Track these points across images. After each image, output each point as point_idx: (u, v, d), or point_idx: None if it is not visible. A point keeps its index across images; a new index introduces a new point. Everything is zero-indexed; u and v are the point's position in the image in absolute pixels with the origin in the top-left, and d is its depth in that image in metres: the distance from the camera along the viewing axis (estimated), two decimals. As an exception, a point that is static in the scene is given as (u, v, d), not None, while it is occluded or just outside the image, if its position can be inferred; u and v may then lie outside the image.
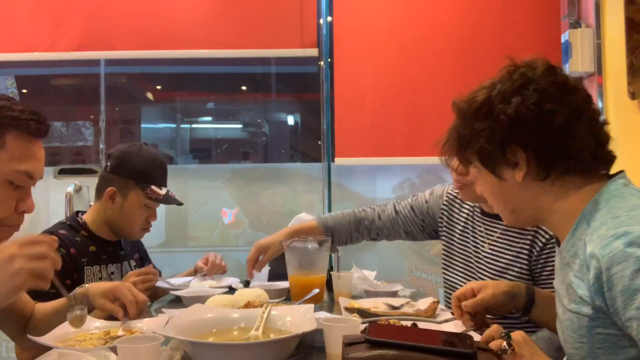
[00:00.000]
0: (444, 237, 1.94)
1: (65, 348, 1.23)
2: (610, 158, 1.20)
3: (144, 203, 2.04)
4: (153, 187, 2.03)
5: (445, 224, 1.95)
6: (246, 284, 2.01)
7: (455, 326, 1.43)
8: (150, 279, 1.89)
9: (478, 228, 1.82)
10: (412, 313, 1.58)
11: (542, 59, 1.21)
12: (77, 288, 1.55)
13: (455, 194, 1.95)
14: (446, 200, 1.97)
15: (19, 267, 1.06)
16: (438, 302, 1.65)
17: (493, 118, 1.17)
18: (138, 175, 2.03)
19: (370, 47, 3.10)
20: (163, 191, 2.06)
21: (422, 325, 1.36)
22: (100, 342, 1.32)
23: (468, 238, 1.84)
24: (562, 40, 2.99)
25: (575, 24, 2.97)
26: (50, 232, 1.93)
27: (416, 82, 3.05)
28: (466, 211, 1.89)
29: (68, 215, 3.05)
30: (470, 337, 1.02)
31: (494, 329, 1.10)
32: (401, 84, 3.07)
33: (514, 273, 1.66)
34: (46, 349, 1.23)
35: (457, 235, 1.88)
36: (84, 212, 2.10)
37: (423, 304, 1.66)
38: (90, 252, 1.97)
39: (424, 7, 3.11)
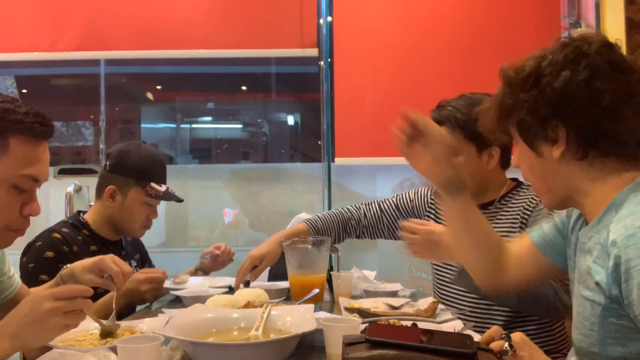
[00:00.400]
0: None
1: (65, 348, 1.23)
2: None
3: (144, 200, 2.05)
4: (153, 184, 2.04)
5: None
6: (246, 284, 2.01)
7: (455, 326, 1.43)
8: (159, 279, 1.90)
9: None
10: (412, 313, 1.58)
11: (600, 34, 1.17)
12: (61, 270, 1.56)
13: None
14: (432, 201, 1.98)
15: (55, 322, 1.08)
16: (438, 302, 1.65)
17: (539, 90, 1.13)
18: (137, 173, 2.04)
19: (370, 47, 3.10)
20: (163, 188, 2.07)
21: (422, 325, 1.36)
22: (100, 342, 1.32)
23: None
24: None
25: (575, 24, 2.97)
26: (52, 230, 1.94)
27: (416, 82, 3.04)
28: None
29: (68, 215, 3.05)
30: (470, 337, 1.02)
31: (494, 330, 1.10)
32: (401, 83, 3.06)
33: None
34: (46, 348, 1.23)
35: None
36: (85, 212, 2.10)
37: (423, 304, 1.66)
38: (91, 252, 1.97)
39: (424, 7, 3.10)
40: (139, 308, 1.98)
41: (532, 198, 1.73)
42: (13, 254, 1.59)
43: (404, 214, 2.03)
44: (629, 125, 1.10)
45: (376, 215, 2.06)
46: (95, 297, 1.59)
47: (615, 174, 1.12)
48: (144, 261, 2.31)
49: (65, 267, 1.58)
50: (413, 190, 2.06)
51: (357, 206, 2.11)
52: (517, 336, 1.08)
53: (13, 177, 1.22)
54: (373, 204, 2.10)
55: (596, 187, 1.13)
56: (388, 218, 2.05)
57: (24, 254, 1.87)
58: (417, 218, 2.00)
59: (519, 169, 1.61)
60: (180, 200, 2.16)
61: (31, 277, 1.77)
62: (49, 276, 1.75)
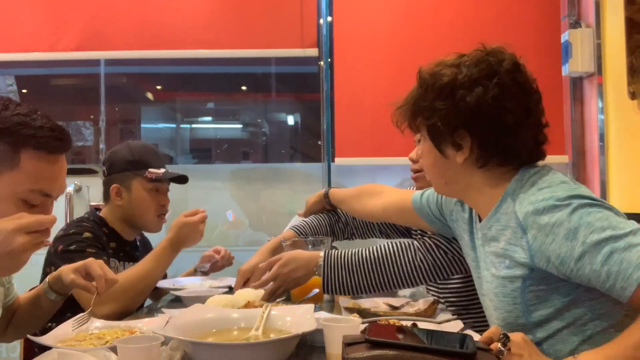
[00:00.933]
0: (417, 237, 1.95)
1: (65, 348, 1.23)
2: (542, 156, 1.29)
3: (148, 188, 2.06)
4: (150, 169, 2.05)
5: None
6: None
7: (455, 326, 1.43)
8: (204, 211, 1.94)
9: None
10: (412, 313, 1.58)
11: (510, 53, 1.30)
12: (49, 275, 1.55)
13: None
14: None
15: (27, 256, 1.06)
16: (438, 302, 1.65)
17: (453, 101, 1.23)
18: (132, 164, 2.06)
19: (370, 47, 3.10)
20: (162, 171, 2.07)
21: (422, 325, 1.36)
22: (100, 342, 1.32)
23: None
24: (562, 40, 2.99)
25: (575, 24, 2.97)
26: (80, 220, 1.98)
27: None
28: None
29: (68, 215, 3.05)
30: (470, 337, 1.02)
31: (493, 330, 1.10)
32: (401, 84, 3.04)
33: None
34: (46, 348, 1.23)
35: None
36: (99, 210, 2.12)
37: (423, 304, 1.66)
38: (111, 247, 2.01)
39: (423, 7, 3.11)
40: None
41: None
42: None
43: None
44: (525, 140, 1.24)
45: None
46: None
47: (506, 177, 1.26)
48: None
49: (53, 269, 1.58)
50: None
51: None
52: (517, 337, 1.09)
53: (22, 192, 1.18)
54: None
55: (488, 187, 1.27)
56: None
57: (56, 243, 1.87)
58: None
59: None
60: (184, 177, 2.15)
61: (74, 255, 1.75)
62: (97, 249, 1.82)
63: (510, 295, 1.20)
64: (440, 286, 1.86)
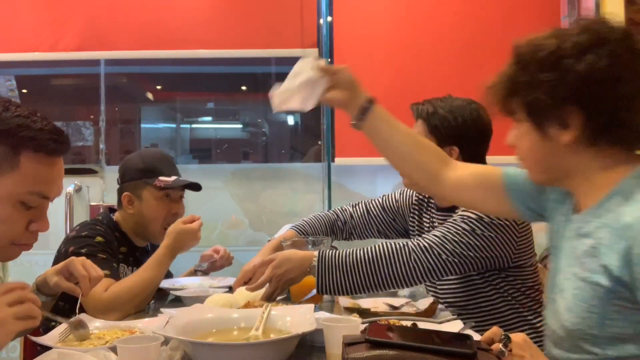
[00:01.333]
0: (414, 237, 1.95)
1: (65, 348, 1.23)
2: None
3: (159, 196, 2.04)
4: (161, 177, 2.04)
5: (416, 224, 1.98)
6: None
7: (455, 326, 1.43)
8: (199, 218, 1.92)
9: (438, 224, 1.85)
10: (412, 313, 1.58)
11: (619, 21, 1.14)
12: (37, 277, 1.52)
13: (424, 195, 1.97)
14: (416, 201, 2.00)
15: (10, 330, 1.03)
16: (438, 302, 1.65)
17: (560, 71, 1.09)
18: (142, 172, 2.04)
19: (370, 47, 3.10)
20: (172, 178, 2.06)
21: (422, 325, 1.36)
22: (100, 342, 1.32)
23: None
24: (562, 40, 2.99)
25: (575, 24, 2.97)
26: (93, 223, 1.98)
27: (416, 82, 3.04)
28: (432, 210, 1.93)
29: (69, 214, 3.05)
30: (470, 337, 1.02)
31: (494, 331, 1.09)
32: (401, 83, 3.06)
33: None
34: (46, 348, 1.23)
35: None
36: (113, 212, 2.11)
37: (423, 304, 1.66)
38: (121, 252, 2.00)
39: (424, 7, 3.11)
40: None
41: None
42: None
43: (389, 214, 2.05)
44: None
45: (363, 216, 2.07)
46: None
47: (618, 163, 1.12)
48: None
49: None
50: (399, 191, 2.07)
51: (344, 208, 2.12)
52: (519, 337, 1.07)
53: (20, 194, 1.17)
54: (360, 205, 2.11)
55: (598, 174, 1.13)
56: (374, 218, 2.06)
57: (67, 244, 1.87)
58: (402, 218, 2.03)
59: (511, 145, 1.64)
60: (197, 185, 2.12)
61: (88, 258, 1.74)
62: (107, 255, 1.83)
63: (588, 302, 1.07)
64: (439, 287, 1.86)
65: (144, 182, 2.03)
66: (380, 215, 2.05)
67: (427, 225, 1.94)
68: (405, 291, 1.99)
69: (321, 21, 3.16)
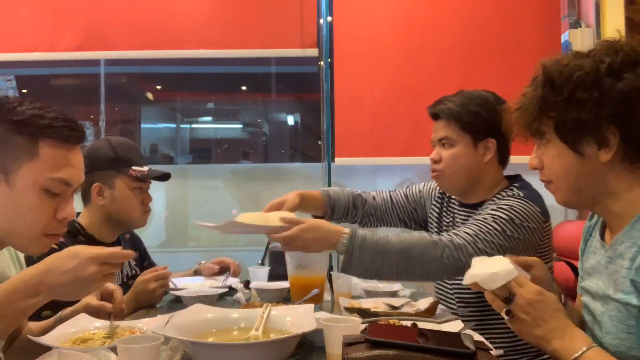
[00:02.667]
0: (433, 232, 1.96)
1: (66, 348, 1.23)
2: None
3: (133, 186, 2.02)
4: (134, 167, 2.02)
5: (435, 217, 1.98)
6: (246, 284, 2.01)
7: (455, 326, 1.43)
8: (165, 276, 1.88)
9: (460, 221, 1.85)
10: (412, 313, 1.58)
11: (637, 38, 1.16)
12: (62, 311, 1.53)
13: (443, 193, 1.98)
14: (439, 196, 1.99)
15: (94, 286, 1.12)
16: (438, 302, 1.65)
17: (601, 90, 1.10)
18: (115, 162, 2.01)
19: (370, 47, 3.10)
20: (145, 168, 2.04)
21: (422, 325, 1.36)
22: (100, 342, 1.32)
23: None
24: (562, 40, 2.99)
25: (575, 24, 2.97)
26: None
27: (416, 82, 3.05)
28: (454, 205, 1.93)
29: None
30: (471, 337, 1.02)
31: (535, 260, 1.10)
32: (401, 83, 3.07)
33: None
34: (46, 349, 1.23)
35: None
36: (77, 214, 2.08)
37: (423, 304, 1.66)
38: None
39: (424, 7, 3.10)
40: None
41: None
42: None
43: (411, 203, 2.04)
44: None
45: (386, 201, 2.06)
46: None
47: None
48: (143, 259, 2.30)
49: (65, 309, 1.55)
50: (423, 183, 2.07)
51: (366, 191, 2.11)
52: (523, 299, 1.08)
53: (43, 180, 1.21)
54: (383, 192, 2.11)
55: (630, 193, 1.14)
56: (396, 204, 2.05)
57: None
58: (423, 209, 2.03)
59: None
60: (167, 175, 2.11)
61: None
62: None
63: (625, 323, 1.09)
64: (453, 292, 1.85)
65: (117, 171, 2.00)
66: (402, 202, 2.05)
67: (448, 220, 1.92)
68: (405, 291, 1.99)
69: (321, 21, 3.16)
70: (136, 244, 2.27)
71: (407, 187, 2.10)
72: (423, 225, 2.04)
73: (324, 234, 1.57)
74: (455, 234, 1.61)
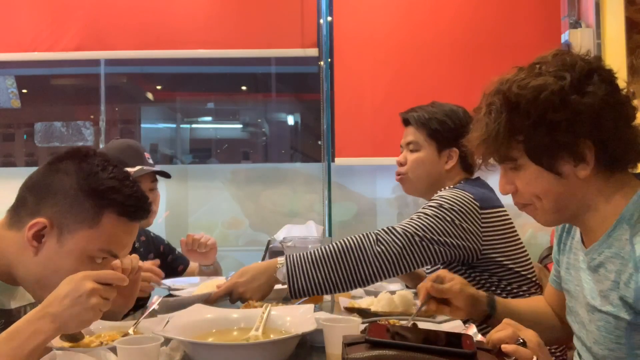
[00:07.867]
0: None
1: (65, 348, 1.23)
2: None
3: None
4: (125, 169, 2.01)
5: None
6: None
7: (455, 326, 1.43)
8: (154, 271, 1.79)
9: None
10: (412, 313, 1.58)
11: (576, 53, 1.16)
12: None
13: None
14: None
15: (94, 304, 1.07)
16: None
17: (572, 109, 1.07)
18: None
19: (370, 47, 3.10)
20: (136, 168, 2.04)
21: (422, 325, 1.36)
22: (100, 342, 1.32)
23: None
24: (562, 40, 2.99)
25: (575, 24, 2.97)
26: None
27: (416, 82, 3.04)
28: None
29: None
30: (470, 337, 1.02)
31: (509, 335, 1.02)
32: (401, 83, 3.06)
33: None
34: (46, 349, 1.23)
35: None
36: None
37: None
38: None
39: (424, 7, 3.10)
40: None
41: None
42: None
43: None
44: (637, 133, 1.11)
45: None
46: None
47: (622, 186, 1.12)
48: (167, 255, 2.31)
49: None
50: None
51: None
52: (533, 342, 1.02)
53: (92, 250, 1.21)
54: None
55: (605, 203, 1.13)
56: None
57: None
58: None
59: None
60: (163, 174, 2.12)
61: None
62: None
63: (614, 334, 1.08)
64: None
65: None
66: None
67: None
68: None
69: (321, 21, 3.16)
70: (153, 244, 2.27)
71: None
72: None
73: (259, 269, 1.62)
74: (399, 224, 1.66)
